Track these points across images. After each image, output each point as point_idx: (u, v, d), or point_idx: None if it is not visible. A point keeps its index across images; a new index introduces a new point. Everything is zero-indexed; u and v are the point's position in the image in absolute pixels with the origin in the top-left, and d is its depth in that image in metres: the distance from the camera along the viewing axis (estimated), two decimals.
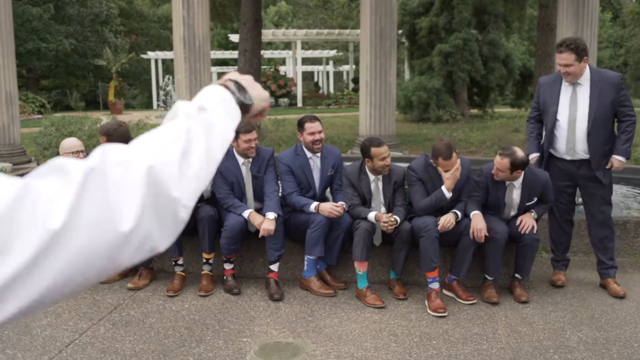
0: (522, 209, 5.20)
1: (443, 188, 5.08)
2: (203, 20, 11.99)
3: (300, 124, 5.50)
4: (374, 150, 5.20)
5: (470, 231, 4.97)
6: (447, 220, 5.00)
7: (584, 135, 5.11)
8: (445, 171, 5.06)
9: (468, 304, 5.03)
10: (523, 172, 5.09)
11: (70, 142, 5.58)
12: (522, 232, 5.01)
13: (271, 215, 5.17)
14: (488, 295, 5.07)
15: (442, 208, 5.27)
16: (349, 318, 4.79)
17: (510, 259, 5.27)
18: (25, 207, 0.74)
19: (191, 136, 0.97)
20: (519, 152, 4.96)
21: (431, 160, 5.19)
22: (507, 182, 5.16)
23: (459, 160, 5.09)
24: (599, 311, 4.90)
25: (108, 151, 0.86)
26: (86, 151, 5.73)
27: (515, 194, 5.18)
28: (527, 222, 5.03)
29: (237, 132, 5.32)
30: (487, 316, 4.80)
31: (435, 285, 4.99)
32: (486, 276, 5.18)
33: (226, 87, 1.20)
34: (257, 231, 5.21)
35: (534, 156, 5.35)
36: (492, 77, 24.31)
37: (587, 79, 5.10)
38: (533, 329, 4.54)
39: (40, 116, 27.63)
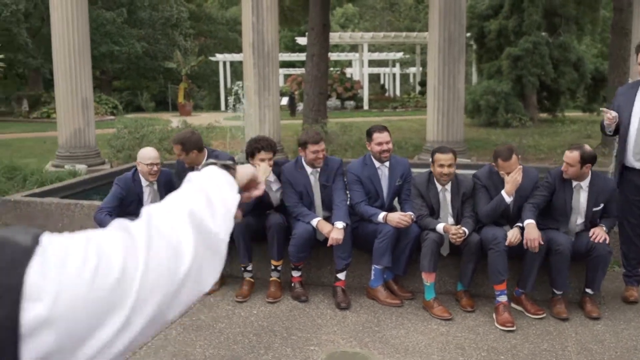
0: (589, 216, 5.12)
1: (503, 192, 5.08)
2: (272, 26, 12.14)
3: (369, 134, 5.54)
4: (437, 155, 5.30)
5: (524, 242, 4.90)
6: (514, 236, 4.95)
7: None
8: (506, 174, 5.05)
9: (537, 318, 4.96)
10: (591, 174, 5.04)
11: (147, 153, 5.72)
12: (595, 241, 4.91)
13: (340, 224, 5.21)
14: (557, 311, 4.98)
15: (509, 216, 5.24)
16: (416, 329, 4.79)
17: (581, 272, 5.18)
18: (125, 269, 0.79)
19: (207, 189, 1.08)
20: (588, 147, 4.97)
21: (492, 164, 5.21)
22: (575, 184, 5.09)
23: (520, 166, 5.10)
24: None
25: (149, 208, 0.96)
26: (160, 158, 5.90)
27: (582, 197, 5.10)
28: (599, 233, 4.94)
29: (306, 143, 5.40)
30: (556, 332, 4.73)
31: (503, 299, 4.95)
32: (554, 290, 5.10)
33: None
34: (326, 239, 5.26)
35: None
36: (562, 81, 23.81)
37: None
38: (604, 347, 4.45)
39: (112, 117, 28.47)
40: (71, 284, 0.71)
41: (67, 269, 0.71)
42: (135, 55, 37.12)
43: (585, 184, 5.09)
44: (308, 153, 5.41)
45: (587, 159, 4.94)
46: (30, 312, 0.66)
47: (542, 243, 4.87)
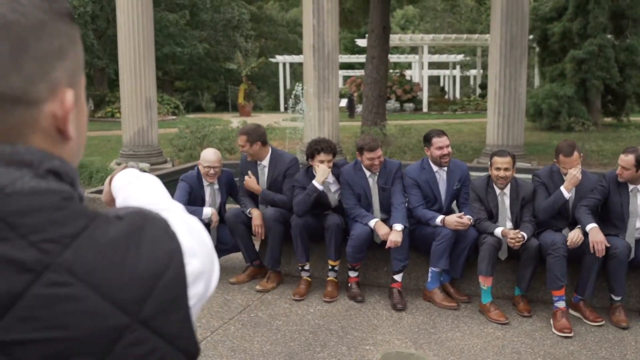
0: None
1: (562, 188, 5.05)
2: (332, 29, 12.24)
3: (428, 139, 5.56)
4: (494, 158, 5.31)
5: (590, 245, 4.82)
6: (576, 236, 4.91)
7: None
8: (567, 170, 5.07)
9: (596, 325, 4.90)
10: None
11: (206, 156, 5.85)
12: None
13: (398, 226, 5.25)
14: (617, 319, 4.91)
15: (567, 218, 5.21)
16: (472, 332, 4.79)
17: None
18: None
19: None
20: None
21: (554, 161, 5.24)
22: (631, 187, 5.01)
23: (579, 165, 5.08)
24: None
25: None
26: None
27: (639, 200, 5.02)
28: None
29: (362, 149, 5.45)
30: (615, 340, 4.66)
31: (562, 305, 4.90)
32: (612, 296, 5.04)
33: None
34: (383, 241, 5.31)
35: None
36: (629, 85, 23.24)
37: None
38: None
39: (174, 117, 29.04)
40: (203, 243, 0.86)
41: (193, 232, 0.86)
42: (197, 56, 37.75)
43: None
44: (364, 159, 5.47)
45: None
46: (190, 266, 0.81)
47: (608, 245, 4.80)
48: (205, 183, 5.87)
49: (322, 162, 5.46)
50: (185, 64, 39.73)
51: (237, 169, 6.34)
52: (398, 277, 5.41)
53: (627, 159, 4.91)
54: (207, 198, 5.91)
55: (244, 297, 5.53)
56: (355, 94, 32.96)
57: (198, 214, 5.74)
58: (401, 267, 5.37)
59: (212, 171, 5.78)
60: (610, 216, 5.10)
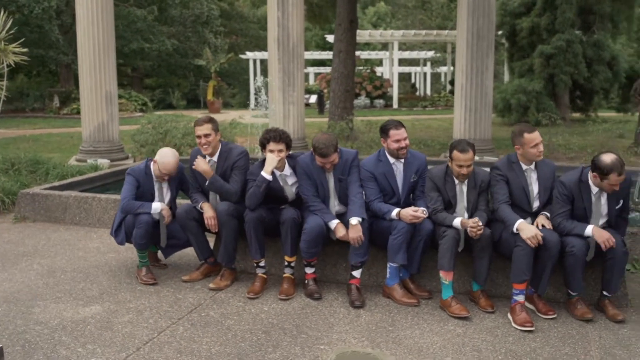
0: (612, 215, 4.90)
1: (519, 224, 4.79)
2: (297, 21, 12.02)
3: (385, 131, 5.33)
4: (455, 154, 5.05)
5: (602, 246, 4.64)
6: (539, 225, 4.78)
7: None
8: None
9: (547, 318, 4.78)
10: None
11: (166, 164, 5.57)
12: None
13: (354, 220, 5.04)
14: (581, 312, 4.76)
15: (530, 208, 5.07)
16: (431, 330, 4.60)
17: (598, 274, 4.96)
18: None
19: None
20: (604, 157, 4.68)
21: (516, 146, 5.05)
22: (595, 190, 4.83)
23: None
24: None
25: None
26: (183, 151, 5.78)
27: (602, 200, 4.87)
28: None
29: (315, 150, 5.21)
30: (579, 335, 4.50)
31: (521, 298, 4.75)
32: (569, 292, 4.90)
33: None
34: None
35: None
36: (596, 80, 23.36)
37: None
38: (630, 353, 4.22)
39: (141, 114, 28.60)
40: None
41: None
42: (165, 52, 37.30)
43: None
44: (317, 159, 5.26)
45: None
46: None
47: (613, 240, 4.65)
48: (154, 178, 5.63)
49: (271, 151, 5.24)
50: (153, 60, 39.25)
51: (187, 164, 6.02)
52: (357, 273, 5.20)
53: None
54: (156, 193, 5.66)
55: (196, 296, 5.29)
56: (326, 90, 32.77)
57: (147, 210, 5.49)
58: (359, 263, 5.16)
59: (166, 177, 5.62)
60: (575, 218, 4.91)
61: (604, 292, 4.89)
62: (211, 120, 5.56)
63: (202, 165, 5.46)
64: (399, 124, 5.31)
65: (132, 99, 31.93)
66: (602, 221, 4.90)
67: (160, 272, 5.90)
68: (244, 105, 42.01)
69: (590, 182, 4.84)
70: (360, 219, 5.07)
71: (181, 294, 5.32)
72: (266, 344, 4.34)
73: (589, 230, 4.72)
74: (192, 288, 5.48)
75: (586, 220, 4.87)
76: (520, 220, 4.77)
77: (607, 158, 4.66)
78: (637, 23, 27.30)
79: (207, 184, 5.49)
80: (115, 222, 5.73)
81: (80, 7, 11.68)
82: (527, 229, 4.67)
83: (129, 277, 5.78)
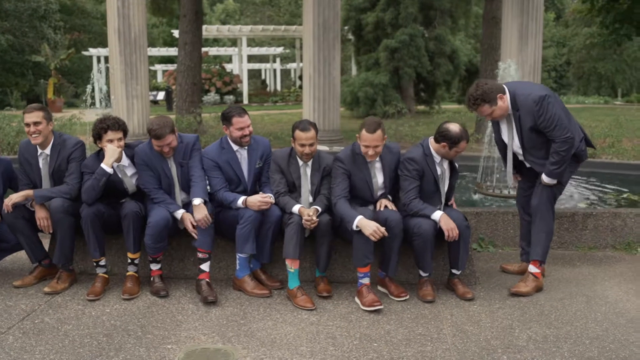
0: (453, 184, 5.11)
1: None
2: (139, 12, 11.50)
3: (227, 118, 5.09)
4: (297, 133, 4.93)
5: (446, 234, 4.69)
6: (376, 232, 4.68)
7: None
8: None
9: (400, 300, 4.79)
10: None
11: None
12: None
13: (197, 201, 4.83)
14: (423, 293, 4.81)
15: (373, 196, 5.04)
16: (285, 320, 4.44)
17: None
18: None
19: None
20: (452, 127, 4.84)
21: (357, 136, 4.96)
22: (438, 159, 4.93)
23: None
24: (548, 307, 4.65)
25: None
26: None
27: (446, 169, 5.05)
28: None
29: (149, 132, 4.92)
30: (431, 315, 4.51)
31: (366, 280, 4.72)
32: (420, 273, 4.93)
33: None
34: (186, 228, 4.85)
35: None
36: (438, 73, 24.31)
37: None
38: (480, 328, 4.27)
39: None
40: None
41: None
42: (0, 48, 34.95)
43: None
44: (154, 145, 4.97)
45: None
46: None
47: (457, 232, 4.71)
48: None
49: (111, 141, 4.88)
50: None
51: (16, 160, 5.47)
52: (205, 267, 4.94)
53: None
54: None
55: (29, 302, 4.82)
56: (174, 87, 32.01)
57: None
58: (207, 256, 4.91)
59: None
60: (425, 194, 4.93)
61: (453, 270, 4.96)
62: (42, 109, 5.08)
63: (15, 197, 4.97)
64: (243, 111, 5.08)
65: None
66: (446, 188, 5.01)
67: None
68: (84, 104, 40.23)
69: (434, 153, 4.91)
70: (202, 200, 4.84)
71: (12, 301, 4.84)
72: (107, 348, 4.01)
73: (437, 215, 4.75)
74: (25, 294, 5.00)
75: (438, 190, 4.95)
76: (359, 217, 4.65)
77: (455, 127, 4.80)
78: (473, 20, 28.72)
79: (36, 199, 5.00)
80: None
81: None
82: (367, 226, 4.59)
83: None
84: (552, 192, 5.00)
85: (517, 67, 9.69)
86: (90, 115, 14.74)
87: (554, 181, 4.89)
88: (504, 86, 4.93)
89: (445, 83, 25.87)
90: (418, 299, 4.82)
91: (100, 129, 4.88)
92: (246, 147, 5.12)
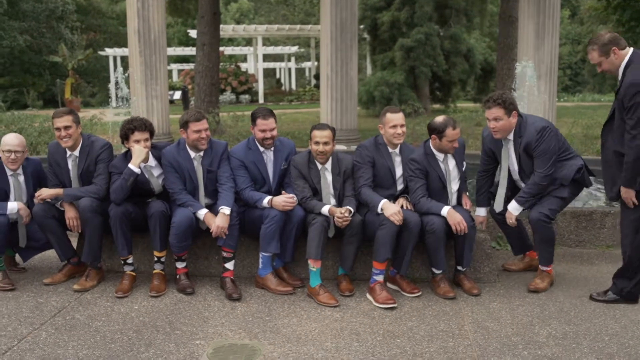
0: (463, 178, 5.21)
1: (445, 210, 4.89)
2: (158, 12, 11.64)
3: (253, 118, 5.21)
4: (313, 132, 5.08)
5: (453, 228, 4.79)
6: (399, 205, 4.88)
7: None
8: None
9: (413, 296, 4.90)
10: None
11: (7, 140, 5.20)
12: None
13: (226, 210, 4.90)
14: (443, 291, 4.91)
15: (395, 187, 5.18)
16: (309, 317, 4.54)
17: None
18: None
19: None
20: (436, 119, 5.01)
21: (380, 129, 5.17)
22: (442, 157, 5.04)
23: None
24: (568, 304, 4.73)
25: None
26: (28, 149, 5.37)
27: (451, 165, 5.10)
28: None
29: (187, 122, 5.04)
30: (453, 312, 4.60)
31: (381, 278, 4.84)
32: (433, 270, 5.03)
33: None
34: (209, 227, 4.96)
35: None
36: (454, 72, 24.31)
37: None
38: (501, 325, 4.35)
39: None
40: None
41: None
42: (18, 49, 35.26)
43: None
44: (190, 133, 5.04)
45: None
46: None
47: (465, 224, 4.79)
48: (8, 172, 5.22)
49: (137, 142, 5.00)
50: (5, 58, 36.97)
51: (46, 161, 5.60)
52: (229, 265, 5.05)
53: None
54: (12, 190, 5.25)
55: (60, 299, 4.95)
56: (190, 86, 32.19)
57: (2, 210, 5.08)
58: (231, 255, 5.02)
59: (13, 156, 5.14)
60: (433, 193, 5.04)
61: (458, 267, 5.08)
62: (71, 112, 5.22)
63: (46, 192, 5.14)
64: (268, 114, 5.18)
65: None
66: (455, 186, 5.11)
67: (19, 276, 5.49)
68: (105, 103, 40.52)
69: (434, 150, 5.02)
70: (230, 209, 4.94)
71: (43, 298, 4.97)
72: (138, 344, 4.13)
73: (445, 210, 4.85)
74: (55, 291, 5.13)
75: (444, 188, 5.05)
76: (384, 200, 4.86)
77: (439, 118, 5.00)
78: (489, 18, 28.68)
79: (64, 197, 5.14)
80: None
81: None
82: (390, 207, 4.78)
83: None
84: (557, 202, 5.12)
85: (534, 66, 9.73)
86: (110, 116, 14.92)
87: (519, 210, 5.01)
88: (519, 110, 5.06)
89: (460, 82, 25.87)
90: (438, 296, 4.90)
91: (128, 130, 5.01)
92: (272, 149, 5.23)
